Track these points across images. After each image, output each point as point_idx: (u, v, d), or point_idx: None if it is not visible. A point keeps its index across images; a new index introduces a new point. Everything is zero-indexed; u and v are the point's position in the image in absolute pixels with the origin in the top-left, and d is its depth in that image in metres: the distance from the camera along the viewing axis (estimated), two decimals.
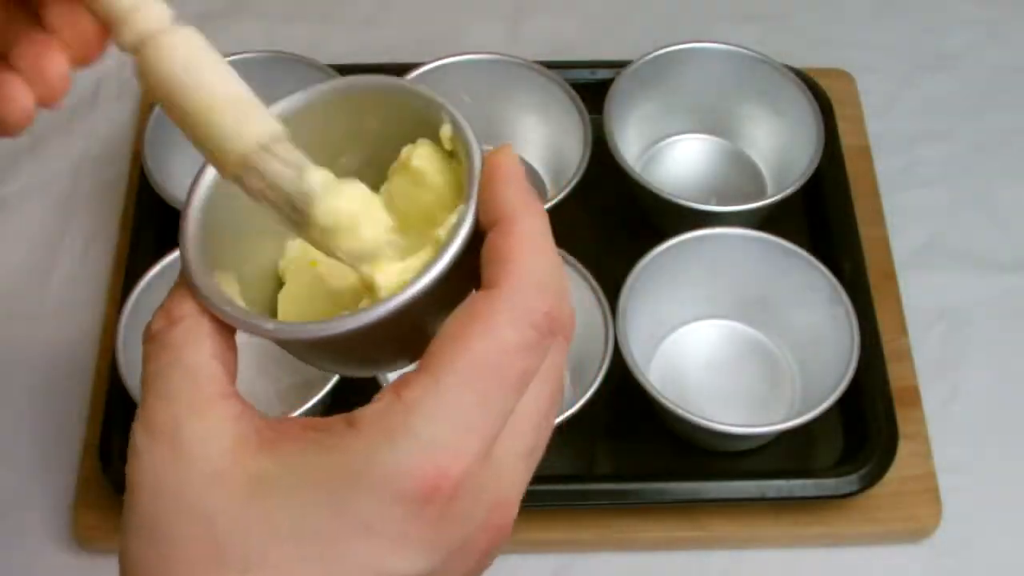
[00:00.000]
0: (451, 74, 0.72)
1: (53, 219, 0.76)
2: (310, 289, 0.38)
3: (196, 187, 0.36)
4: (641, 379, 0.62)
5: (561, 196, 0.67)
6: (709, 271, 0.67)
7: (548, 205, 0.67)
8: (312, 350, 0.37)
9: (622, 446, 0.66)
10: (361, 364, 0.39)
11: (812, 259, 0.66)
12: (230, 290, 0.36)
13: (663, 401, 0.61)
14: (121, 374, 0.61)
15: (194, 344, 0.34)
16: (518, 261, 0.33)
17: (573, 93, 0.71)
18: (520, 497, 0.35)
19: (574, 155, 0.69)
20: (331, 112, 0.37)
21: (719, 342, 0.69)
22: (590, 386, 0.61)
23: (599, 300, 0.63)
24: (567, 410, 0.60)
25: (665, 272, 0.66)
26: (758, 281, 0.67)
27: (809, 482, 0.63)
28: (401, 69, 0.72)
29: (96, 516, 0.64)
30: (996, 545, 0.65)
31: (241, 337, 0.35)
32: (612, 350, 0.62)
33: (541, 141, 0.74)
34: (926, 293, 0.73)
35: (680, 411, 0.61)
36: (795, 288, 0.66)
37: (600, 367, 0.62)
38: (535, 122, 0.74)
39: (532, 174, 0.75)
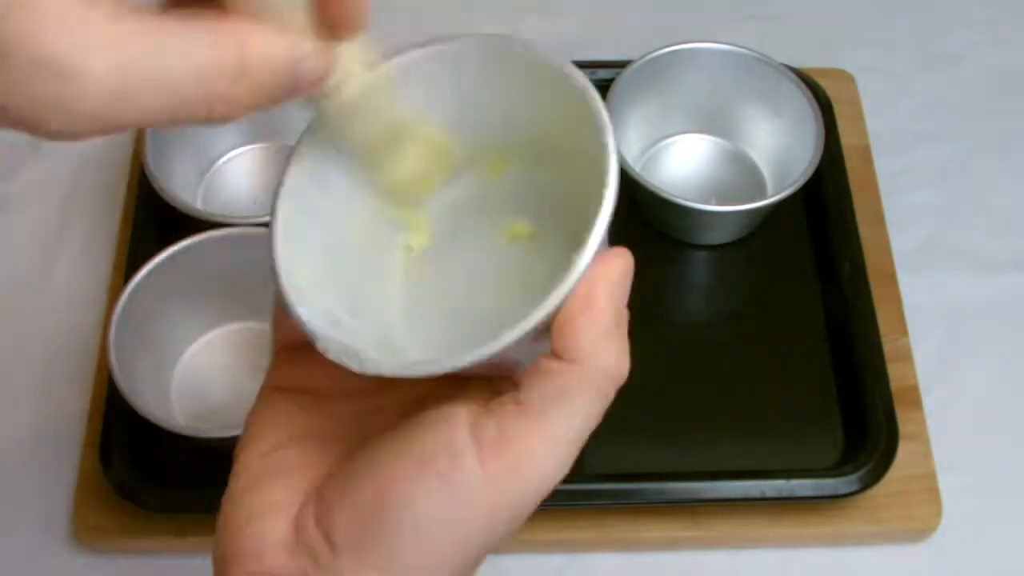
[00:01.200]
0: None
1: (53, 219, 0.76)
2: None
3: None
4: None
5: None
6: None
7: None
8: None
9: (621, 446, 0.66)
10: None
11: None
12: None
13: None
14: (113, 374, 0.61)
15: None
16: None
17: None
18: None
19: None
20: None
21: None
22: None
23: None
24: None
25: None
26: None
27: (809, 482, 0.63)
28: None
29: (96, 516, 0.64)
30: (996, 545, 0.65)
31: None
32: None
33: None
34: (926, 293, 0.73)
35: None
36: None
37: None
38: None
39: None
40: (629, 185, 0.70)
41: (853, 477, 0.63)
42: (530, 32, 0.85)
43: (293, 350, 0.40)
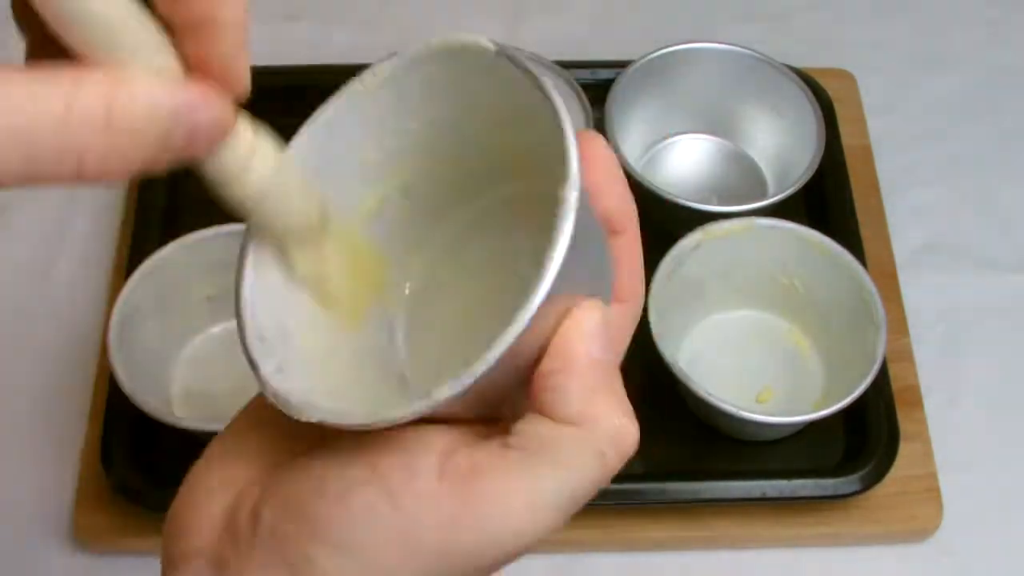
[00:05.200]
0: None
1: (53, 219, 0.76)
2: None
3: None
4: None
5: None
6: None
7: None
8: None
9: None
10: None
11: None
12: None
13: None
14: (115, 372, 0.61)
15: None
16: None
17: (576, 85, 0.71)
18: None
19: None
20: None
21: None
22: None
23: None
24: None
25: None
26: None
27: (810, 482, 0.63)
28: None
29: (96, 516, 0.64)
30: (997, 545, 0.65)
31: None
32: None
33: None
34: (926, 293, 0.73)
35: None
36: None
37: None
38: None
39: None
40: (630, 185, 0.70)
41: (854, 477, 0.63)
42: (531, 32, 0.85)
43: None
